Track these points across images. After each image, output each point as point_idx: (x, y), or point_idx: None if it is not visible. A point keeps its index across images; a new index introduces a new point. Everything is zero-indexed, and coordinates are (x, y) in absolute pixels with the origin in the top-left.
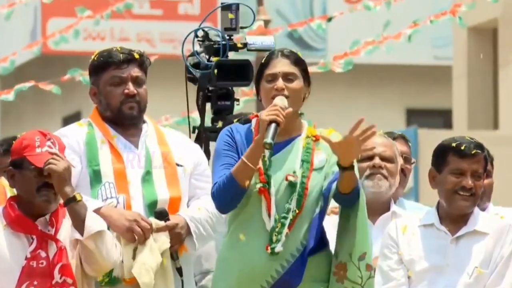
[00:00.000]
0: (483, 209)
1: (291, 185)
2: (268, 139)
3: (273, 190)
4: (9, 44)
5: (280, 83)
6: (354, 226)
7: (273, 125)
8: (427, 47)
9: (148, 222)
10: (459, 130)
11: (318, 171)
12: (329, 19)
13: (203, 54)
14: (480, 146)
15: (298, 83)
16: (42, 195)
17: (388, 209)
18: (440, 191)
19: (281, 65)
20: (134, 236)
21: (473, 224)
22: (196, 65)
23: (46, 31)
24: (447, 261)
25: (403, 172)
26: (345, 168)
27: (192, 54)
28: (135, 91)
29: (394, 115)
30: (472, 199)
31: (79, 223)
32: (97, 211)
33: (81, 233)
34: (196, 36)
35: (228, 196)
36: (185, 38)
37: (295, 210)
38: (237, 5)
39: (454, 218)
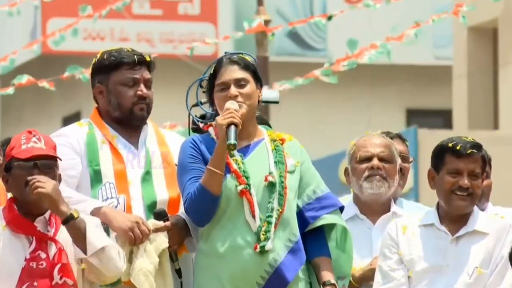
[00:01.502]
0: (482, 210)
1: (271, 185)
2: (232, 140)
3: (253, 191)
4: (9, 43)
5: (232, 90)
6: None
7: (232, 127)
8: (428, 47)
9: (148, 227)
10: (459, 130)
11: (291, 173)
12: (330, 17)
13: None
14: (477, 146)
15: (250, 87)
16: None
17: (388, 209)
18: (438, 191)
19: (231, 72)
20: (132, 238)
21: (473, 224)
22: (203, 116)
23: (46, 31)
24: (447, 261)
25: (402, 172)
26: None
27: (196, 104)
28: (147, 93)
29: (394, 115)
30: (469, 199)
31: (80, 240)
32: (97, 210)
33: (83, 250)
34: (201, 86)
35: (203, 207)
36: (189, 88)
37: (278, 209)
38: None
39: (454, 218)
